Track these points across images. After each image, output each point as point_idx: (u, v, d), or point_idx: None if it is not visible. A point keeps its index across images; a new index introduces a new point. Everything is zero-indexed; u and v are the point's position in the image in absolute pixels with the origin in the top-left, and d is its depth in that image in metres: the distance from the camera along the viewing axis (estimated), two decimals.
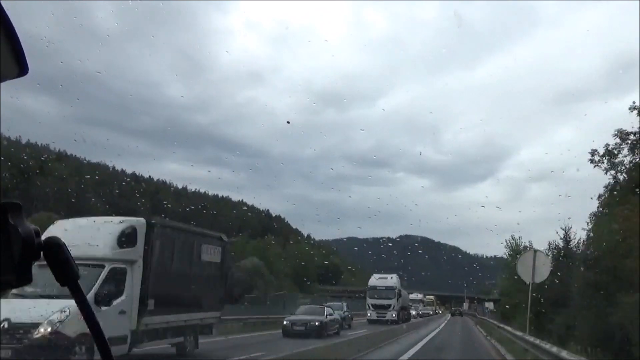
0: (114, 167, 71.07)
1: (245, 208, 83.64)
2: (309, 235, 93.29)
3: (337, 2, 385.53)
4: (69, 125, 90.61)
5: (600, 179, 25.08)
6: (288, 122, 54.81)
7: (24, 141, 59.97)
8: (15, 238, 0.95)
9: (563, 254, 23.94)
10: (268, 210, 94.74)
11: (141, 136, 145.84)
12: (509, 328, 22.32)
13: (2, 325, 9.03)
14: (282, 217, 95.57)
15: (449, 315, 77.40)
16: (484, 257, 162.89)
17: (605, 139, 24.88)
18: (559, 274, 20.57)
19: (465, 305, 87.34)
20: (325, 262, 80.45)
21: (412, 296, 60.57)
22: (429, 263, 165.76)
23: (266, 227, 78.49)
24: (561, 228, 24.53)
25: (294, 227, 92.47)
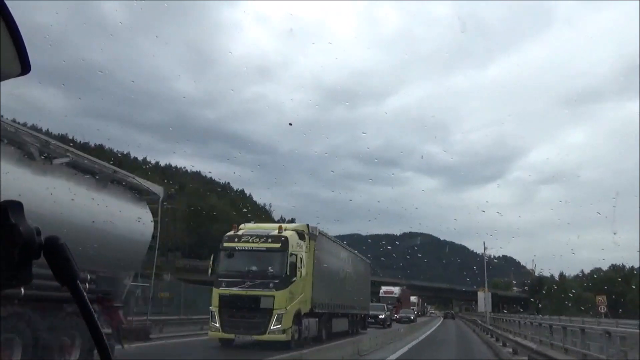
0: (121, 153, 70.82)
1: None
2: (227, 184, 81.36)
3: None
4: (76, 119, 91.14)
5: (607, 181, 24.39)
6: (290, 124, 54.72)
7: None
8: (16, 237, 0.95)
9: None
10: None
11: (148, 130, 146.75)
12: None
13: None
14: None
15: (442, 318, 67.19)
16: (492, 257, 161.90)
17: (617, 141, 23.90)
18: None
19: (482, 303, 50.47)
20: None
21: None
22: (434, 261, 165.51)
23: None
24: None
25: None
